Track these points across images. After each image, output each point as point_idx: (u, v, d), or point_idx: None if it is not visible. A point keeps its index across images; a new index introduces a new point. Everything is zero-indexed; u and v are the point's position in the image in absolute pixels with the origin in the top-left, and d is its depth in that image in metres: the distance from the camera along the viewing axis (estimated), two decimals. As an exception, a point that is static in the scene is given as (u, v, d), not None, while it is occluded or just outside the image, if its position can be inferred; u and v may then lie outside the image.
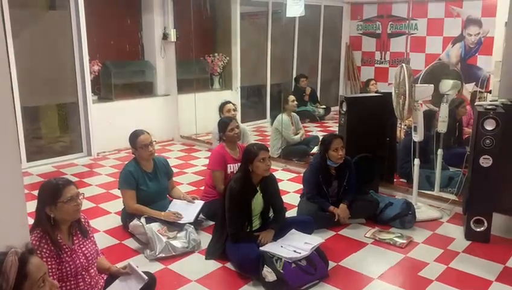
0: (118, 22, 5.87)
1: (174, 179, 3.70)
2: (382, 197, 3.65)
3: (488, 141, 3.01)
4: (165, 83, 6.20)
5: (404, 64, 3.32)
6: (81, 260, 2.04)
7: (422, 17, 7.30)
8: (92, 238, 2.19)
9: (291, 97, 5.29)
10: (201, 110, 6.26)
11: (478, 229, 3.15)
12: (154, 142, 3.24)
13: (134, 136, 3.21)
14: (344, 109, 3.84)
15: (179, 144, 6.11)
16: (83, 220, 2.16)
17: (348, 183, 3.40)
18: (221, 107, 4.44)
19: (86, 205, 3.48)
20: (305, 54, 7.88)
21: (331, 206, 3.33)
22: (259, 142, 3.51)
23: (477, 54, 6.77)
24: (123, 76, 5.88)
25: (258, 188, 2.93)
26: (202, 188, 3.88)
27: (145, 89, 6.17)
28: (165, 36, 5.95)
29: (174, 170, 4.06)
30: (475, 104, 3.38)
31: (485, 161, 3.04)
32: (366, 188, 3.68)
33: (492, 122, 2.99)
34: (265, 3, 7.10)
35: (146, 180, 3.18)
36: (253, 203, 2.89)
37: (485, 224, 3.12)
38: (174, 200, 3.37)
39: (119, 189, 3.23)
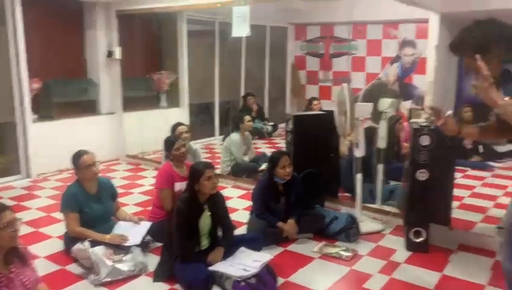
0: (60, 38, 5.69)
1: (120, 199, 3.61)
2: (328, 211, 3.75)
3: (423, 155, 3.21)
4: (110, 101, 6.05)
5: (345, 84, 3.48)
6: (19, 290, 1.94)
7: (362, 38, 7.68)
8: (32, 266, 2.08)
9: (247, 117, 5.35)
10: (148, 128, 6.18)
11: (417, 240, 3.31)
12: (98, 163, 3.15)
13: (77, 157, 3.11)
14: (290, 126, 3.95)
15: (125, 164, 5.96)
16: (20, 246, 2.05)
17: (296, 199, 3.47)
18: (173, 129, 4.38)
19: (25, 230, 3.30)
20: (252, 72, 8.02)
21: (280, 222, 3.38)
22: (205, 161, 3.52)
23: (412, 73, 7.19)
24: (65, 94, 5.68)
25: (205, 206, 2.92)
26: (149, 208, 3.81)
27: (88, 107, 5.99)
28: (110, 54, 5.84)
29: (120, 190, 3.96)
30: (410, 121, 3.60)
31: (421, 175, 3.23)
32: (313, 203, 3.77)
33: (427, 138, 3.19)
34: (212, 23, 7.17)
35: (90, 202, 3.08)
36: (201, 222, 2.88)
37: (424, 235, 3.30)
38: (119, 222, 3.28)
39: (61, 212, 3.11)
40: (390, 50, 7.36)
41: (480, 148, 6.00)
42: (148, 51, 6.60)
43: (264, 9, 6.26)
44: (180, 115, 6.68)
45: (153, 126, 6.19)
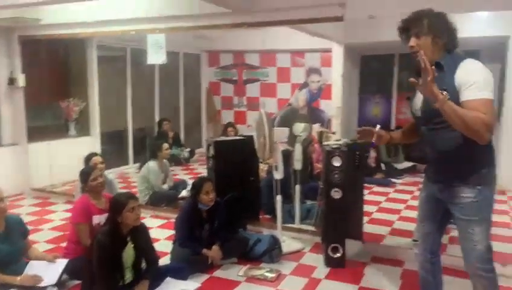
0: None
1: (29, 237, 3.34)
2: (251, 234, 3.83)
3: (336, 175, 3.44)
4: (12, 131, 5.60)
5: (262, 110, 3.64)
6: None
7: (272, 66, 8.07)
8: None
9: (165, 145, 5.27)
10: (57, 159, 5.81)
11: (335, 256, 3.50)
12: (6, 199, 2.91)
13: (-20, 193, 2.84)
14: (211, 152, 3.99)
15: (30, 198, 5.51)
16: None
17: (219, 224, 3.50)
18: (87, 160, 4.18)
19: None
20: (167, 98, 7.97)
21: (204, 249, 3.38)
22: (127, 192, 3.42)
23: (319, 99, 7.69)
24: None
25: (128, 239, 2.84)
26: (64, 244, 3.57)
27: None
28: (12, 81, 5.43)
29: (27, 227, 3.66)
30: (323, 143, 3.86)
31: (336, 193, 3.45)
32: (236, 227, 3.82)
33: (338, 159, 3.44)
34: (123, 49, 7.04)
35: (-4, 242, 2.82)
36: (124, 255, 2.79)
37: (340, 250, 3.50)
38: (31, 261, 3.03)
39: (-39, 256, 2.79)
40: (299, 77, 7.83)
41: (383, 166, 6.57)
42: (56, 77, 6.27)
43: (177, 36, 6.32)
44: (91, 143, 6.40)
45: (61, 157, 5.86)
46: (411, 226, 4.27)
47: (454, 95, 1.94)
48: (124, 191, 4.00)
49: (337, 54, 5.80)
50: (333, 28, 4.64)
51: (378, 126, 2.39)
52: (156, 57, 4.61)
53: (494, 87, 2.02)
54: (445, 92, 1.88)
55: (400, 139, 2.54)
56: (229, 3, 3.74)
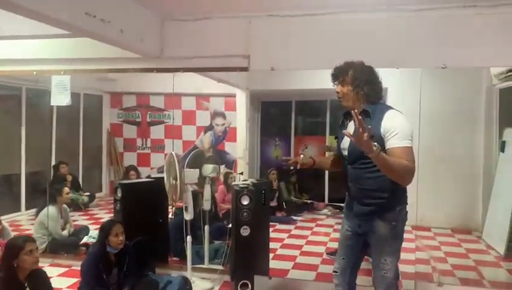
0: None
1: None
2: (160, 277, 3.80)
3: (245, 213, 3.63)
4: None
5: (173, 152, 3.74)
6: None
7: (177, 108, 8.18)
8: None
9: (66, 189, 5.06)
10: None
11: (244, 292, 3.65)
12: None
13: None
14: (119, 194, 3.95)
15: None
16: None
17: (128, 268, 3.44)
18: None
19: None
20: (65, 141, 7.57)
21: (113, 295, 3.29)
22: (23, 235, 3.24)
23: (224, 141, 7.96)
24: None
25: (26, 285, 2.69)
26: None
27: None
28: None
29: None
30: (232, 184, 4.05)
31: (244, 231, 3.63)
32: (145, 271, 3.77)
33: (246, 198, 3.64)
34: (18, 88, 6.66)
35: None
36: (23, 305, 2.63)
37: (249, 286, 3.65)
38: None
39: None
40: (204, 120, 8.06)
41: (284, 204, 6.96)
42: None
43: (77, 77, 6.16)
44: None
45: None
46: (313, 260, 4.65)
47: (380, 142, 2.21)
48: (20, 235, 3.74)
49: (241, 99, 6.17)
50: (237, 76, 4.98)
51: (305, 148, 2.67)
52: (60, 98, 4.48)
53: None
54: (377, 144, 2.12)
55: (325, 165, 2.82)
56: (140, 50, 3.85)
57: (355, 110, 2.09)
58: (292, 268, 4.51)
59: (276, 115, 8.28)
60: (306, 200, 7.28)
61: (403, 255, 4.70)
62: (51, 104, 4.60)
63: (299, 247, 5.24)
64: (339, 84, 2.44)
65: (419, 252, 4.95)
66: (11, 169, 6.72)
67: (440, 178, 6.04)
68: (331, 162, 2.78)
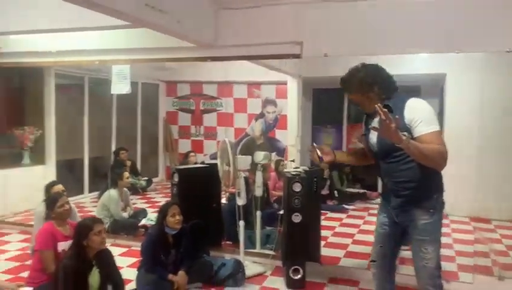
0: None
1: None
2: (214, 259, 3.93)
3: (296, 200, 3.66)
4: (-36, 159, 5.43)
5: (226, 139, 3.83)
6: None
7: (229, 97, 8.33)
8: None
9: (126, 174, 5.32)
10: (9, 188, 5.65)
11: (296, 278, 3.68)
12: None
13: None
14: (176, 179, 4.11)
15: (-19, 229, 5.31)
16: None
17: (185, 250, 3.58)
18: (48, 189, 4.14)
19: None
20: (124, 128, 7.96)
21: (170, 275, 3.44)
22: (92, 216, 3.45)
23: (275, 129, 8.01)
24: None
25: (93, 263, 2.88)
26: (22, 274, 3.51)
27: None
28: (-34, 108, 5.31)
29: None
30: (283, 171, 4.09)
31: (296, 217, 3.67)
32: (200, 253, 3.92)
33: (298, 185, 3.67)
34: (81, 78, 7.04)
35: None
36: (89, 280, 2.83)
37: (301, 272, 3.69)
38: (-8, 291, 2.98)
39: None
40: (255, 107, 8.14)
41: (335, 193, 6.91)
42: (11, 105, 6.15)
43: (136, 66, 6.42)
44: (46, 172, 6.26)
45: (14, 186, 5.70)
46: (364, 249, 4.60)
47: (408, 132, 2.20)
48: (90, 217, 4.00)
49: (292, 86, 6.18)
50: (289, 63, 4.98)
51: (314, 144, 2.66)
52: (120, 86, 4.71)
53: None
54: (406, 133, 2.14)
55: (346, 160, 2.82)
56: (195, 39, 3.95)
57: (378, 104, 2.11)
58: (344, 256, 4.49)
59: (328, 103, 8.18)
60: (358, 190, 7.20)
61: (461, 247, 4.58)
62: (111, 92, 4.84)
63: (351, 235, 5.21)
64: (349, 95, 2.48)
65: (478, 244, 4.76)
66: (75, 154, 7.15)
67: (503, 169, 5.74)
68: (349, 155, 2.84)
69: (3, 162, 5.84)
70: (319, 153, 2.58)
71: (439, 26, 3.46)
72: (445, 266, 4.00)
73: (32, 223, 4.41)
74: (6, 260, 4.25)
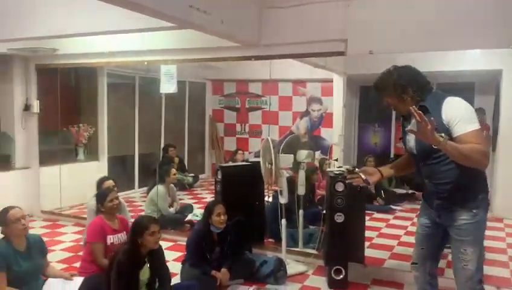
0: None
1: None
2: (257, 256, 3.97)
3: (339, 200, 3.62)
4: (26, 155, 5.81)
5: (269, 137, 3.85)
6: None
7: (274, 95, 8.33)
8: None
9: (173, 170, 5.50)
10: (65, 182, 5.98)
11: (338, 278, 3.65)
12: (27, 217, 3.08)
13: (3, 212, 3.01)
14: (219, 177, 4.19)
15: (40, 220, 5.66)
16: None
17: (229, 247, 3.64)
18: (100, 184, 4.35)
19: None
20: (172, 125, 8.20)
21: (213, 271, 3.51)
22: (149, 215, 3.58)
23: (320, 127, 7.93)
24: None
25: (145, 259, 2.99)
26: (75, 265, 3.71)
27: (1, 162, 5.67)
28: (27, 107, 5.68)
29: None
30: (327, 170, 4.05)
31: (339, 217, 3.63)
32: (242, 250, 3.97)
33: (341, 185, 3.63)
34: (132, 77, 7.32)
35: (18, 259, 2.96)
36: (141, 274, 2.94)
37: (343, 272, 3.65)
38: (49, 279, 3.16)
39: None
40: (300, 105, 8.09)
41: (382, 193, 6.73)
42: (67, 103, 6.50)
43: (183, 65, 6.59)
44: (99, 168, 6.58)
45: (70, 180, 6.03)
46: (410, 251, 4.44)
47: (446, 133, 2.15)
48: (147, 215, 4.17)
49: (338, 84, 6.08)
50: (335, 60, 4.91)
51: (356, 169, 2.59)
52: (167, 86, 4.85)
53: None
54: (443, 134, 2.10)
55: (392, 174, 2.71)
56: (239, 39, 3.99)
57: (413, 106, 2.07)
58: (389, 258, 4.39)
59: (375, 100, 7.96)
60: (407, 191, 6.98)
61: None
62: (160, 91, 5.00)
63: (397, 237, 5.07)
64: (384, 98, 2.42)
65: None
66: (126, 151, 7.45)
67: None
68: (394, 168, 2.67)
69: (60, 158, 6.19)
70: (363, 176, 2.52)
71: (492, 21, 3.29)
72: (498, 271, 3.84)
73: (85, 216, 4.66)
74: (61, 250, 4.52)
